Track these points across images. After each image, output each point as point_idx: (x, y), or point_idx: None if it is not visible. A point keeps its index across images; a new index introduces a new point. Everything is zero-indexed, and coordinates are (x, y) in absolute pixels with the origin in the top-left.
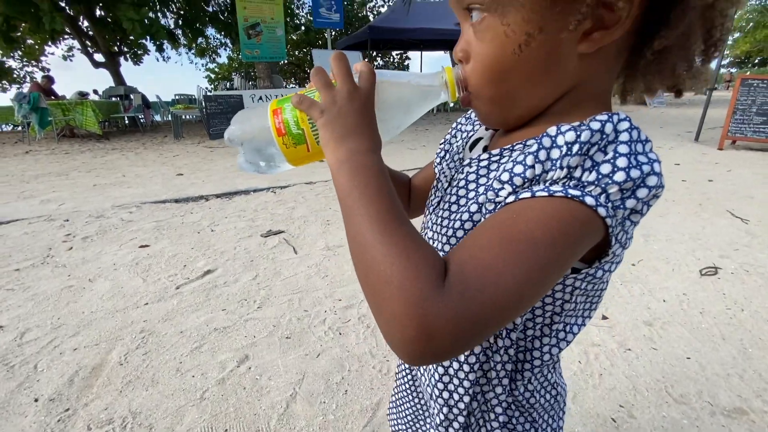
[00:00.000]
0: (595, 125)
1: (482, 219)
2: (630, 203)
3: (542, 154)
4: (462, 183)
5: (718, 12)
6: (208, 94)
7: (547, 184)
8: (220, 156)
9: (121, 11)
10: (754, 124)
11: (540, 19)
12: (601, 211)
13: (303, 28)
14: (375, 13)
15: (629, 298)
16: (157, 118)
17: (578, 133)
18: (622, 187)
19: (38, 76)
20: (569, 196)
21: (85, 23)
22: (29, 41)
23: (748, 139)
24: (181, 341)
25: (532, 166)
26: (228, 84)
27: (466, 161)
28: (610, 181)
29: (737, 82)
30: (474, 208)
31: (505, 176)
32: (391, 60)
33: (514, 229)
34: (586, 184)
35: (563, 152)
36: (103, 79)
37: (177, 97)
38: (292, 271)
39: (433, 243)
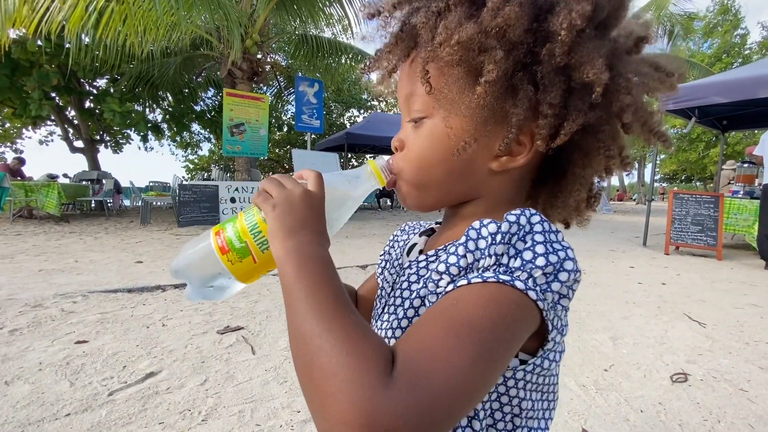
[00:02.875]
0: (511, 218)
1: (424, 310)
2: (555, 286)
3: (471, 245)
4: (405, 285)
5: (590, 179)
6: (184, 183)
7: (479, 272)
8: None
9: (105, 104)
10: (692, 232)
11: (474, 132)
12: (531, 294)
13: (286, 128)
14: (351, 121)
15: (607, 409)
16: (127, 203)
17: (498, 225)
18: (544, 271)
19: (10, 156)
20: (500, 281)
21: (72, 112)
22: (7, 125)
23: (689, 246)
24: None
25: (464, 256)
26: (206, 174)
27: (406, 264)
28: (533, 266)
29: (670, 195)
30: (417, 302)
31: (442, 267)
32: (365, 161)
33: (455, 315)
34: (513, 269)
35: (489, 242)
36: (78, 163)
37: (151, 184)
38: (247, 375)
39: (385, 332)
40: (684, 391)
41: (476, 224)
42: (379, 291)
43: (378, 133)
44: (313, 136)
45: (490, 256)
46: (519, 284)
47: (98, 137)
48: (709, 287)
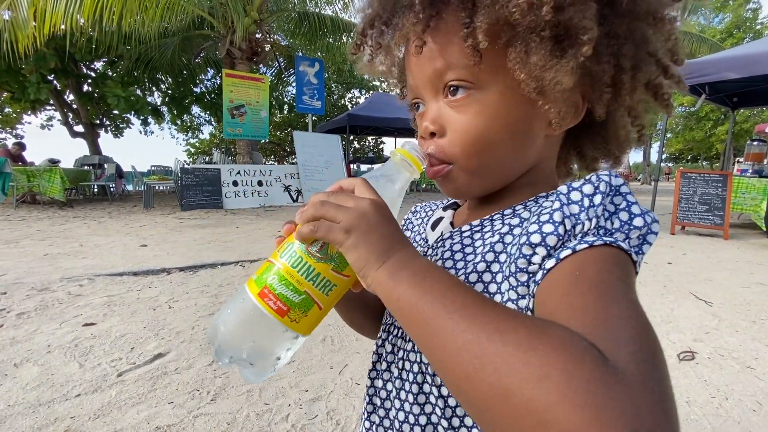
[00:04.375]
0: (605, 178)
1: (484, 289)
2: (645, 248)
3: (566, 209)
4: (447, 254)
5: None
6: (186, 166)
7: (580, 238)
8: (190, 227)
9: (108, 88)
10: (698, 211)
11: (562, 99)
12: (633, 256)
13: (287, 108)
14: (353, 102)
15: None
16: (129, 188)
17: (596, 185)
18: (641, 233)
19: (10, 142)
20: (608, 242)
21: (71, 96)
22: (7, 110)
23: (695, 225)
24: None
25: (561, 222)
26: (207, 158)
27: (446, 234)
28: (631, 227)
29: (678, 174)
30: (472, 277)
31: (536, 238)
32: (367, 143)
33: (594, 282)
34: (613, 231)
35: (587, 204)
36: (79, 148)
37: (153, 168)
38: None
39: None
40: (691, 369)
41: (563, 188)
42: None
43: (381, 114)
44: (314, 117)
45: (589, 219)
46: (624, 245)
47: (98, 121)
48: (715, 266)
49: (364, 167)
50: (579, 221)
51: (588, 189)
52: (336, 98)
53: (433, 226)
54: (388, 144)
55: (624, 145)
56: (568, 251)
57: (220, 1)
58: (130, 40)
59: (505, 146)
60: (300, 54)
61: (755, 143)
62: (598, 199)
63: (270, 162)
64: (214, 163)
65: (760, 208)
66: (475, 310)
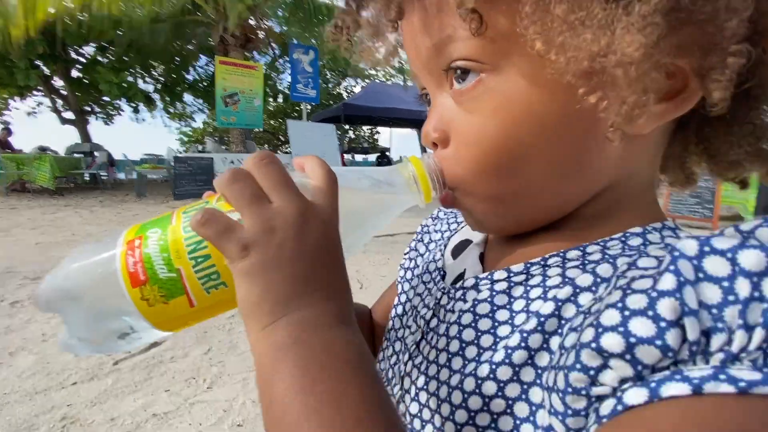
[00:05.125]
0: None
1: (522, 395)
2: None
3: (690, 297)
4: (467, 318)
5: None
6: (179, 155)
7: (716, 363)
8: None
9: (99, 74)
10: (689, 204)
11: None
12: None
13: (281, 97)
14: (349, 92)
15: None
16: (121, 176)
17: (759, 253)
18: None
19: None
20: None
21: (60, 82)
22: None
23: (686, 218)
24: (110, 431)
25: (677, 323)
26: (200, 147)
27: (468, 280)
28: None
29: None
30: (504, 374)
31: (613, 343)
32: (362, 133)
33: None
34: None
35: (745, 292)
36: (68, 136)
37: (145, 157)
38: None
39: (426, 411)
40: None
41: (689, 247)
42: (397, 299)
43: (376, 104)
44: (309, 106)
45: (746, 327)
46: None
47: (88, 108)
48: None
49: (359, 157)
50: (720, 324)
51: (752, 261)
52: (331, 86)
53: (455, 252)
54: (384, 134)
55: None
56: (683, 387)
57: None
58: (121, 25)
59: (541, 163)
60: (294, 41)
61: None
62: (747, 289)
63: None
64: (208, 152)
65: (748, 201)
66: None
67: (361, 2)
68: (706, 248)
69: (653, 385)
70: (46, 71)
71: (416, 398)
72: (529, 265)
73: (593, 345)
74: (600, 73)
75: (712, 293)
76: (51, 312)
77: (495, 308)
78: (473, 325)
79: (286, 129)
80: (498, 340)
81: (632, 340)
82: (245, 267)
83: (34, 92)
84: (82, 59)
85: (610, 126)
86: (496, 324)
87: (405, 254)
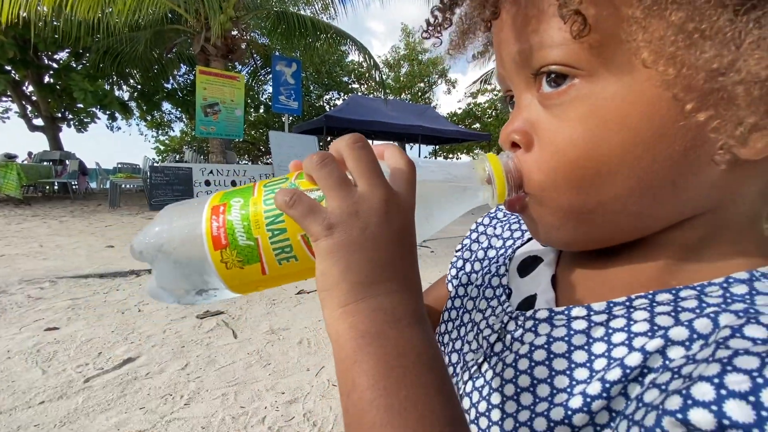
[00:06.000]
0: None
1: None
2: None
3: None
4: (540, 355)
5: None
6: (155, 164)
7: None
8: None
9: (73, 81)
10: None
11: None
12: None
13: (263, 108)
14: (331, 104)
15: None
16: (93, 185)
17: None
18: None
19: None
20: None
21: (30, 88)
22: None
23: None
24: None
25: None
26: (177, 156)
27: (541, 311)
28: None
29: None
30: (579, 418)
31: (703, 419)
32: None
33: None
34: None
35: None
36: (38, 143)
37: (119, 166)
38: (229, 359)
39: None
40: None
41: None
42: (450, 303)
43: (358, 117)
44: (291, 118)
45: None
46: None
47: (60, 115)
48: None
49: None
50: None
51: None
52: (314, 98)
53: (522, 268)
54: None
55: None
56: None
57: None
58: (98, 32)
59: (629, 178)
60: (277, 53)
61: None
62: None
63: (244, 161)
64: (186, 161)
65: None
66: None
67: (454, 4)
68: None
69: None
70: (17, 76)
71: (476, 422)
72: (612, 305)
73: (679, 416)
74: (716, 90)
75: None
76: (143, 261)
77: (572, 348)
78: (547, 363)
79: (267, 139)
80: (574, 383)
81: (726, 422)
82: (328, 245)
83: (3, 98)
84: (55, 65)
85: (720, 148)
86: (573, 366)
87: (456, 251)
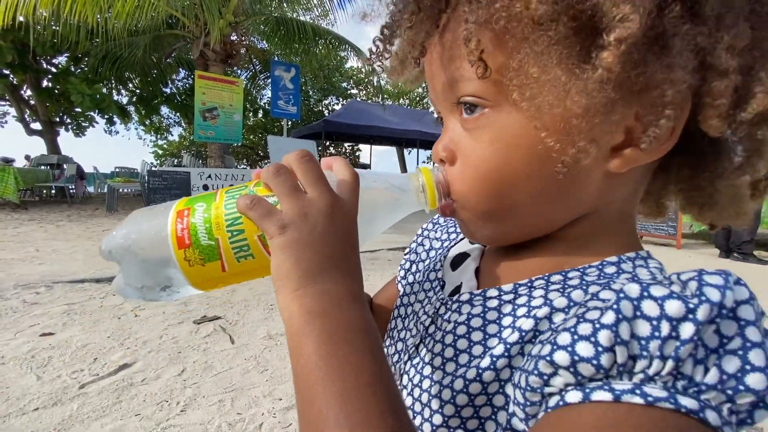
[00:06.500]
0: (713, 294)
1: (499, 389)
2: (760, 416)
3: (625, 330)
4: (462, 329)
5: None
6: (153, 169)
7: (637, 380)
8: None
9: (71, 85)
10: (654, 222)
11: (590, 127)
12: None
13: (261, 113)
14: (330, 109)
15: None
16: (91, 189)
17: (690, 305)
18: (759, 396)
19: None
20: (684, 409)
21: (28, 92)
22: None
23: (651, 235)
24: None
25: (610, 349)
26: (176, 161)
27: (464, 294)
28: (742, 388)
29: None
30: (488, 375)
31: (562, 358)
32: (343, 150)
33: None
34: (703, 387)
35: (665, 332)
36: (36, 147)
37: (117, 170)
38: (226, 365)
39: (417, 404)
40: None
41: (633, 290)
42: (399, 301)
43: (357, 122)
44: (289, 122)
45: (662, 357)
46: (712, 417)
47: (58, 119)
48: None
49: None
50: (645, 353)
51: (674, 308)
52: (313, 103)
53: (454, 264)
54: (365, 151)
55: (733, 204)
56: (607, 395)
57: (194, 1)
58: (96, 36)
59: (529, 188)
60: (276, 58)
61: None
62: (687, 331)
63: (242, 166)
64: (184, 166)
65: None
66: (373, 424)
67: (392, 34)
68: (645, 293)
69: (587, 390)
70: (14, 80)
71: (411, 393)
72: (517, 286)
73: (548, 358)
74: (559, 122)
75: (643, 328)
76: (111, 260)
77: (486, 323)
78: (467, 336)
79: (266, 144)
80: (486, 350)
81: (576, 357)
82: (282, 242)
83: (1, 102)
84: (53, 69)
85: (560, 164)
86: (487, 337)
87: (405, 254)
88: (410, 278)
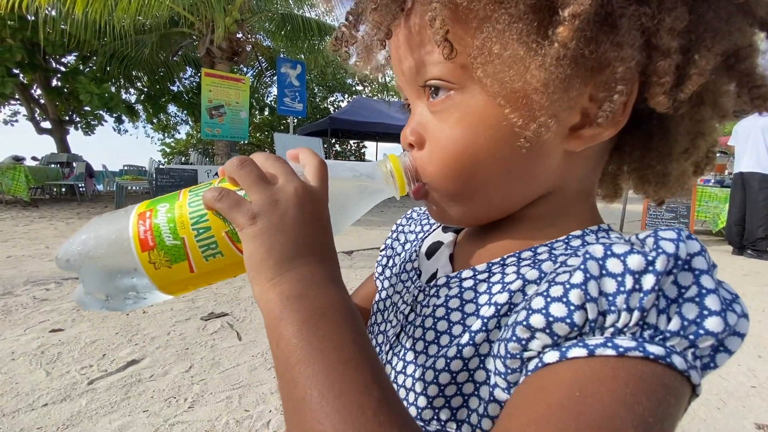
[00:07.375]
0: (669, 247)
1: (480, 365)
2: (722, 359)
3: (593, 288)
4: (441, 312)
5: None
6: (161, 167)
7: (608, 334)
8: None
9: (80, 84)
10: (665, 219)
11: (550, 103)
12: (694, 377)
13: (267, 110)
14: (336, 106)
15: None
16: (100, 187)
17: (650, 258)
18: (718, 338)
19: None
20: (652, 356)
21: (38, 91)
22: None
23: None
24: None
25: (582, 307)
26: (183, 159)
27: (441, 278)
28: (702, 332)
29: None
30: (468, 351)
31: (538, 321)
32: (349, 147)
33: (585, 418)
34: (667, 334)
35: (629, 286)
36: (46, 145)
37: (126, 168)
38: (233, 361)
39: (401, 390)
40: None
41: (597, 249)
42: (378, 296)
43: (362, 119)
44: (295, 120)
45: (629, 309)
46: (678, 361)
47: (67, 118)
48: None
49: None
50: (613, 308)
51: (635, 262)
52: (318, 100)
53: (429, 253)
54: (370, 148)
55: (679, 180)
56: (582, 351)
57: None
58: (104, 35)
59: (496, 167)
60: (282, 55)
61: (718, 155)
62: (649, 282)
63: None
64: (191, 163)
65: (720, 216)
66: (358, 396)
67: (358, 20)
68: (608, 252)
69: (563, 349)
70: (24, 80)
71: (395, 381)
72: (491, 265)
73: (524, 323)
74: (521, 98)
75: (610, 285)
76: (69, 270)
77: (464, 302)
78: (446, 317)
79: (272, 142)
80: (466, 328)
81: (551, 318)
82: (253, 231)
83: (11, 101)
84: (62, 68)
85: (522, 138)
86: (465, 316)
87: (381, 251)
88: (387, 273)
